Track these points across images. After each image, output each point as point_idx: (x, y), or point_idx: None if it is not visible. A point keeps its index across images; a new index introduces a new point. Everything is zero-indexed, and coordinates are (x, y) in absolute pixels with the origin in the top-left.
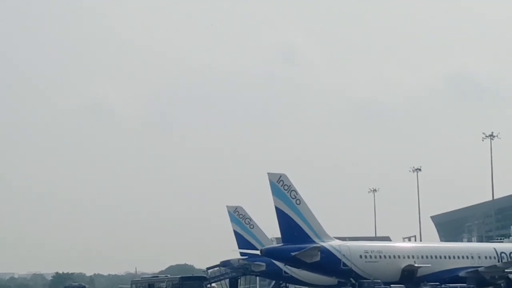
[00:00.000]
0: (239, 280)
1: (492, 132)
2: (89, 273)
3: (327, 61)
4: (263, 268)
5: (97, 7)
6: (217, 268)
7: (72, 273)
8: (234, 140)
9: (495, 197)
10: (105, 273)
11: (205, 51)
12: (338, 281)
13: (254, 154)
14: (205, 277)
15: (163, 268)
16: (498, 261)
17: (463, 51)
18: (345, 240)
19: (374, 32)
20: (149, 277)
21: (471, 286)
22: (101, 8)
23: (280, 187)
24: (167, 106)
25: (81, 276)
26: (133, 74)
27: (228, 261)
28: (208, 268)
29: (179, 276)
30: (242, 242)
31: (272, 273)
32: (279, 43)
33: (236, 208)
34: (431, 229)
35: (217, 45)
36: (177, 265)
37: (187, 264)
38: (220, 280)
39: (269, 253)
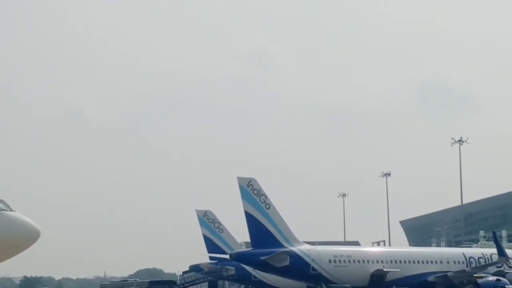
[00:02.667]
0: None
1: (461, 137)
2: (57, 276)
3: (299, 67)
4: (233, 273)
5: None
6: (193, 272)
7: (41, 277)
8: (205, 145)
9: (463, 202)
10: (74, 277)
11: (177, 57)
12: (307, 286)
13: (224, 159)
14: (174, 281)
15: (132, 272)
16: (467, 266)
17: (434, 57)
18: (315, 244)
19: (346, 38)
20: (118, 281)
21: None
22: (76, 13)
23: (250, 191)
24: (138, 111)
25: (49, 280)
26: (107, 80)
27: (197, 265)
28: (184, 272)
29: (148, 280)
30: (211, 247)
31: (242, 278)
32: (251, 48)
33: (206, 213)
34: (400, 234)
35: (189, 51)
36: (146, 269)
37: (156, 268)
38: (196, 283)
39: (239, 258)
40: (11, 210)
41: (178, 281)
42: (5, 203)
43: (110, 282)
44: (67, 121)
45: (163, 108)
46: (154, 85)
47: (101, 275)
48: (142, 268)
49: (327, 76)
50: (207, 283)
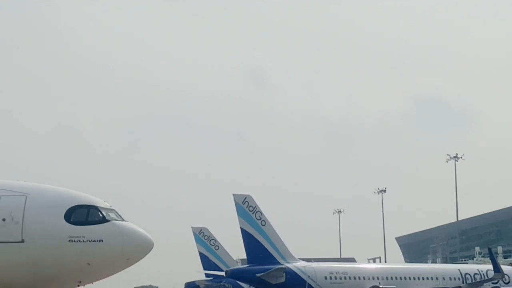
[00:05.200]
0: None
1: (457, 154)
2: None
3: (295, 85)
4: None
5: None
6: None
7: None
8: (201, 162)
9: (459, 219)
10: None
11: (173, 74)
12: None
13: (220, 176)
14: None
15: None
16: (463, 282)
17: (429, 73)
18: (310, 261)
19: (344, 54)
20: None
21: None
22: (64, 29)
23: (245, 208)
24: (133, 130)
25: None
26: (101, 97)
27: (193, 282)
28: None
29: None
30: (207, 263)
31: None
32: (247, 66)
33: (201, 230)
34: (396, 250)
35: (184, 69)
36: (141, 286)
37: (152, 286)
38: None
39: (234, 274)
40: (123, 220)
41: None
42: (116, 212)
43: None
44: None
45: (158, 126)
46: (148, 104)
47: None
48: (137, 285)
49: (323, 94)
50: None
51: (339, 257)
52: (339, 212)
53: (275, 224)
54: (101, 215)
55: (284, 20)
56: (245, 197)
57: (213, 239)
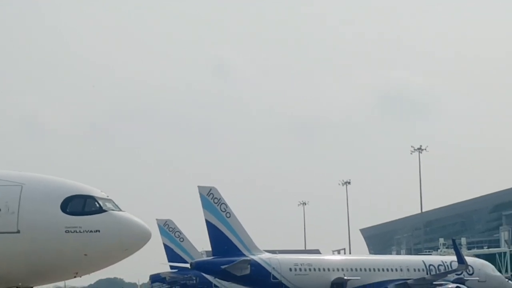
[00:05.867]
0: None
1: (421, 146)
2: None
3: (262, 78)
4: (193, 282)
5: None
6: (157, 283)
7: None
8: (166, 154)
9: (423, 210)
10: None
11: (138, 65)
12: None
13: (185, 168)
14: None
15: (92, 282)
16: (427, 274)
17: (393, 66)
18: (275, 253)
19: (309, 48)
20: None
21: None
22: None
23: (210, 200)
24: (98, 121)
25: None
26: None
27: (158, 274)
28: (153, 281)
29: None
30: (172, 256)
31: (202, 287)
32: (214, 59)
33: (166, 222)
34: (360, 242)
35: (150, 60)
36: (106, 278)
37: (117, 278)
38: None
39: (199, 266)
40: (120, 210)
41: None
42: (113, 202)
43: None
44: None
45: (123, 117)
46: (113, 95)
47: (61, 285)
48: (102, 277)
49: (289, 87)
50: None
51: (304, 248)
52: (304, 204)
53: (240, 216)
54: (98, 205)
55: (251, 13)
56: (210, 189)
57: (177, 231)
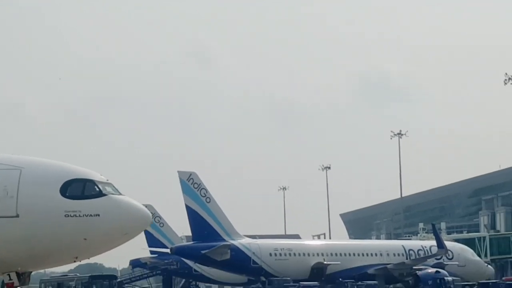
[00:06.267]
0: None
1: (400, 131)
2: None
3: (241, 63)
4: (174, 267)
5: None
6: (138, 268)
7: None
8: (145, 140)
9: (403, 195)
10: None
11: (118, 51)
12: (248, 279)
13: (165, 154)
14: (115, 275)
15: (72, 267)
16: (406, 258)
17: (373, 50)
18: (255, 238)
19: (288, 33)
20: (58, 276)
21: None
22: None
23: (190, 185)
24: (79, 105)
25: None
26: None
27: (138, 259)
28: (133, 267)
29: (89, 275)
30: (152, 240)
31: (182, 272)
32: (192, 44)
33: (146, 207)
34: (340, 227)
35: (129, 46)
36: (86, 263)
37: (97, 263)
38: (145, 278)
39: (179, 251)
40: (120, 194)
41: (119, 276)
42: (113, 186)
43: (50, 277)
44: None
45: (104, 103)
46: (93, 81)
47: (41, 270)
48: (82, 263)
49: (268, 72)
50: (160, 277)
51: (283, 233)
52: (284, 189)
53: (220, 201)
54: (97, 189)
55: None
56: (190, 174)
57: (157, 216)
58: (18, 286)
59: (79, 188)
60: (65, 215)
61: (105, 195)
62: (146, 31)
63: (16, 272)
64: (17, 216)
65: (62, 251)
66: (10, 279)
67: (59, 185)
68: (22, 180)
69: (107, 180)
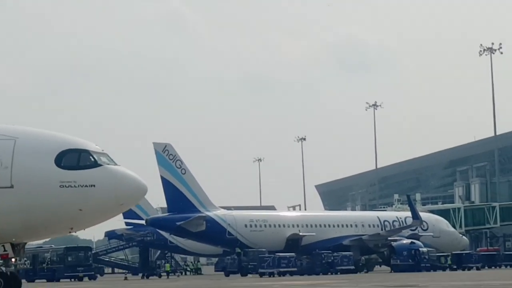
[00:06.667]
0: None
1: (376, 102)
2: None
3: (215, 34)
4: (150, 238)
5: None
6: (114, 240)
7: None
8: (121, 111)
9: (378, 166)
10: None
11: (90, 22)
12: (224, 250)
13: (141, 125)
14: (90, 247)
15: (47, 239)
16: (382, 229)
17: (349, 21)
18: (231, 209)
19: (262, 4)
20: (33, 248)
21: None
22: None
23: (166, 156)
24: (53, 78)
25: None
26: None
27: (113, 231)
28: (109, 238)
29: (64, 246)
30: (127, 212)
31: (158, 243)
32: (166, 15)
33: None
34: (315, 198)
35: (103, 17)
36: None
37: (72, 235)
38: (121, 249)
39: (154, 223)
40: (115, 164)
41: (95, 247)
42: (108, 156)
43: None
44: None
45: (77, 75)
46: (66, 53)
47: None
48: None
49: (242, 44)
50: (136, 249)
51: (259, 205)
52: (259, 160)
53: (195, 173)
54: (92, 159)
55: None
56: (165, 146)
57: None
58: (13, 257)
59: (74, 159)
60: (60, 186)
61: (100, 165)
62: (119, 1)
63: (11, 243)
64: (12, 187)
65: (57, 222)
66: (5, 251)
67: (54, 156)
68: (16, 150)
69: (102, 150)
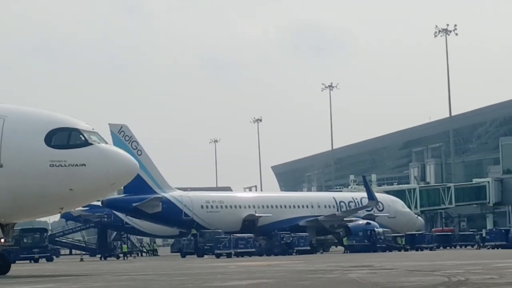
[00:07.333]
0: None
1: (331, 83)
2: None
3: (173, 15)
4: (107, 220)
5: None
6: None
7: None
8: (76, 91)
9: (334, 147)
10: None
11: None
12: (180, 231)
13: (96, 105)
14: (45, 228)
15: None
16: (337, 210)
17: (305, 2)
18: (187, 190)
19: None
20: None
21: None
22: None
23: (121, 137)
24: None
25: None
26: None
27: (69, 212)
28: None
29: (19, 228)
30: None
31: (115, 224)
32: None
33: None
34: (271, 179)
35: None
36: None
37: None
38: (78, 231)
39: (110, 204)
40: (106, 143)
41: (50, 229)
42: (98, 135)
43: None
44: None
45: (31, 55)
46: (19, 32)
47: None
48: None
49: (199, 25)
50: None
51: (215, 186)
52: (216, 141)
53: (152, 154)
54: (83, 138)
55: None
56: (121, 127)
57: None
58: (2, 238)
59: (64, 137)
60: (50, 165)
61: (90, 144)
62: None
63: (0, 224)
64: (1, 166)
65: (47, 201)
66: None
67: (44, 134)
68: (5, 129)
69: (93, 129)
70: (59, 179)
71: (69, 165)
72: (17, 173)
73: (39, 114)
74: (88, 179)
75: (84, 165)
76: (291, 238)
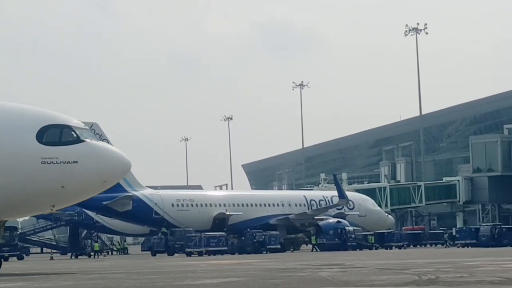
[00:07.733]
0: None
1: (302, 81)
2: None
3: (142, 12)
4: (78, 218)
5: None
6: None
7: None
8: (46, 89)
9: (304, 146)
10: None
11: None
12: (150, 230)
13: (66, 103)
14: (15, 227)
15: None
16: (308, 209)
17: (278, 1)
18: (157, 189)
19: None
20: None
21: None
22: None
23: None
24: None
25: None
26: None
27: None
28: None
29: None
30: None
31: (86, 223)
32: None
33: None
34: (242, 178)
35: None
36: None
37: None
38: (49, 229)
39: (81, 202)
40: (98, 140)
41: (20, 227)
42: (90, 132)
43: None
44: None
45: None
46: None
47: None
48: None
49: (168, 22)
50: (62, 229)
51: (186, 184)
52: (186, 139)
53: (122, 152)
54: (75, 135)
55: None
56: (92, 125)
57: None
58: None
59: (56, 134)
60: (41, 162)
61: (82, 141)
62: None
63: None
64: None
65: (39, 199)
66: None
67: (35, 131)
68: None
69: (85, 125)
70: (51, 176)
71: (61, 162)
72: (8, 170)
73: (31, 111)
74: (80, 176)
75: (76, 162)
76: (263, 237)
